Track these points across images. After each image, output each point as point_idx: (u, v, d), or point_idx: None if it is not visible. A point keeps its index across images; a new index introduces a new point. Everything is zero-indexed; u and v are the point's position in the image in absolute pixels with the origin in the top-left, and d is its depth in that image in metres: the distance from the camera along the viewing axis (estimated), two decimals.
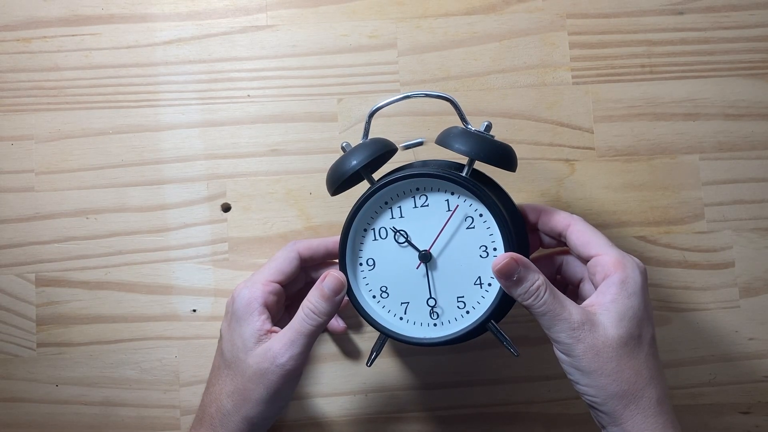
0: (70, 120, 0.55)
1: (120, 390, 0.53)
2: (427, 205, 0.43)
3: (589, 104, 0.56)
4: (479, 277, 0.43)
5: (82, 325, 0.53)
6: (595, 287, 0.42)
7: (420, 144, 0.49)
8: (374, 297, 0.45)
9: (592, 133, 0.55)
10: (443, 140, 0.43)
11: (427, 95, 0.45)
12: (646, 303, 0.41)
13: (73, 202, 0.54)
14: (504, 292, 0.42)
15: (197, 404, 0.53)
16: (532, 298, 0.40)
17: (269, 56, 0.56)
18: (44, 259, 0.54)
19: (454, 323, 0.44)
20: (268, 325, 0.44)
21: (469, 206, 0.43)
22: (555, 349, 0.41)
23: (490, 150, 0.42)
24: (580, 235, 0.43)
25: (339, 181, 0.43)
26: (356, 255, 0.44)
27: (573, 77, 0.56)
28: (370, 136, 0.45)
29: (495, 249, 0.43)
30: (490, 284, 0.43)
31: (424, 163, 0.47)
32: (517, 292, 0.41)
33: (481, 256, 0.43)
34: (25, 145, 0.55)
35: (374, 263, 0.44)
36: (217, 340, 0.53)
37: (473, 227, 0.43)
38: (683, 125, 0.56)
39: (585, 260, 0.44)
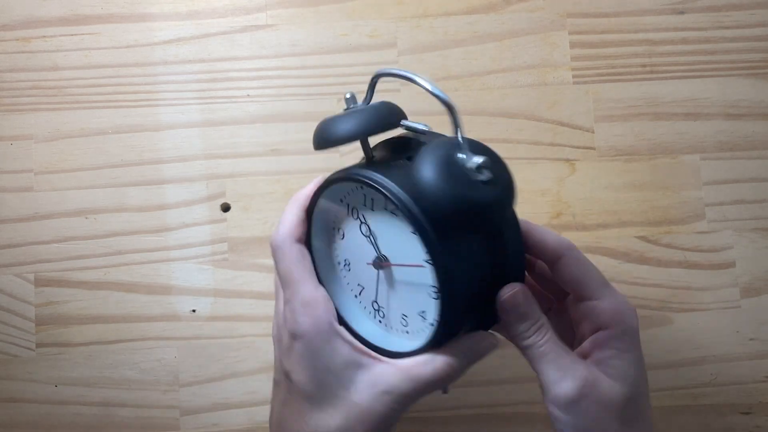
0: (69, 120, 0.55)
1: (119, 390, 0.53)
2: (396, 215, 0.36)
3: (589, 104, 0.55)
4: (424, 311, 0.37)
5: (82, 326, 0.53)
6: (584, 334, 0.38)
7: (421, 132, 0.38)
8: (339, 263, 0.40)
9: (593, 132, 0.55)
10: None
11: (431, 93, 0.35)
12: (642, 355, 0.37)
13: (73, 202, 0.54)
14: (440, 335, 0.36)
15: (197, 405, 0.53)
16: (536, 336, 0.35)
17: (269, 56, 0.56)
18: (43, 259, 0.54)
19: (395, 334, 0.39)
20: (356, 346, 0.37)
21: None
22: (550, 406, 0.36)
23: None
24: (573, 271, 0.37)
25: (332, 144, 0.36)
26: (328, 218, 0.40)
27: (573, 77, 0.56)
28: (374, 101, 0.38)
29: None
30: (432, 324, 0.36)
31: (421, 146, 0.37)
32: (519, 329, 0.36)
33: (430, 295, 0.36)
34: (24, 144, 0.54)
35: (343, 236, 0.39)
36: (217, 340, 0.53)
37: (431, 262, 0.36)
38: (684, 125, 0.55)
39: (575, 298, 0.39)
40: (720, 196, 0.55)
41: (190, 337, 0.53)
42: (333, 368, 0.36)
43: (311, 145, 0.55)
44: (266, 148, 0.55)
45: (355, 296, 0.40)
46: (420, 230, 0.34)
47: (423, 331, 0.37)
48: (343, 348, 0.36)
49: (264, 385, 0.53)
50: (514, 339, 0.36)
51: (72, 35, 0.55)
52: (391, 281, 0.38)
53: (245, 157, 0.55)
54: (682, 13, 0.56)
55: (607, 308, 0.36)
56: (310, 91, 0.55)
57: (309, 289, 0.37)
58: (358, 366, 0.36)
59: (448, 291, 0.34)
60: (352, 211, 0.38)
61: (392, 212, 0.36)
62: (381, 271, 0.38)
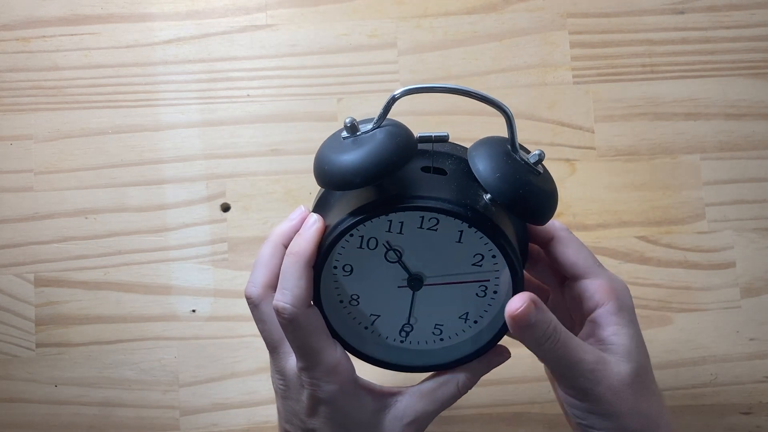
0: (69, 120, 0.55)
1: (119, 390, 0.53)
2: (435, 230, 0.35)
3: (589, 104, 0.55)
4: (467, 313, 0.38)
5: (81, 326, 0.53)
6: (580, 314, 0.38)
7: (443, 140, 0.37)
8: (341, 302, 0.38)
9: (593, 132, 0.55)
10: (472, 155, 0.36)
11: (482, 98, 0.35)
12: (640, 331, 0.38)
13: (73, 202, 0.54)
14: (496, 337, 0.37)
15: (196, 405, 0.53)
16: (549, 342, 0.34)
17: (269, 56, 0.56)
18: (43, 259, 0.54)
19: (424, 346, 0.39)
20: (377, 390, 0.38)
21: (480, 239, 0.35)
22: (564, 396, 0.36)
23: (518, 194, 0.34)
24: (566, 251, 0.38)
25: (335, 186, 0.35)
26: (332, 257, 0.36)
27: (573, 77, 0.56)
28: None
29: (495, 292, 0.37)
30: (476, 321, 0.38)
31: (448, 157, 0.38)
32: (533, 336, 0.34)
33: (477, 294, 0.37)
34: (24, 144, 0.54)
35: (351, 270, 0.37)
36: (217, 340, 0.53)
37: (480, 265, 0.36)
38: (684, 125, 0.55)
39: (569, 279, 0.39)
40: (720, 196, 0.55)
41: (189, 337, 0.53)
42: (363, 421, 0.36)
43: (311, 145, 0.55)
44: (266, 148, 0.55)
45: (365, 328, 0.39)
46: (504, 242, 0.34)
47: (464, 332, 0.38)
48: (368, 399, 0.37)
49: (264, 386, 0.53)
50: (527, 345, 0.36)
51: (72, 35, 0.55)
52: (424, 297, 0.37)
53: (245, 157, 0.55)
54: (682, 13, 0.56)
55: (601, 285, 0.37)
56: (310, 91, 0.55)
57: (330, 355, 0.35)
58: (384, 408, 0.37)
59: (519, 279, 0.35)
60: (368, 242, 0.36)
61: (430, 229, 0.35)
62: (416, 292, 0.37)
